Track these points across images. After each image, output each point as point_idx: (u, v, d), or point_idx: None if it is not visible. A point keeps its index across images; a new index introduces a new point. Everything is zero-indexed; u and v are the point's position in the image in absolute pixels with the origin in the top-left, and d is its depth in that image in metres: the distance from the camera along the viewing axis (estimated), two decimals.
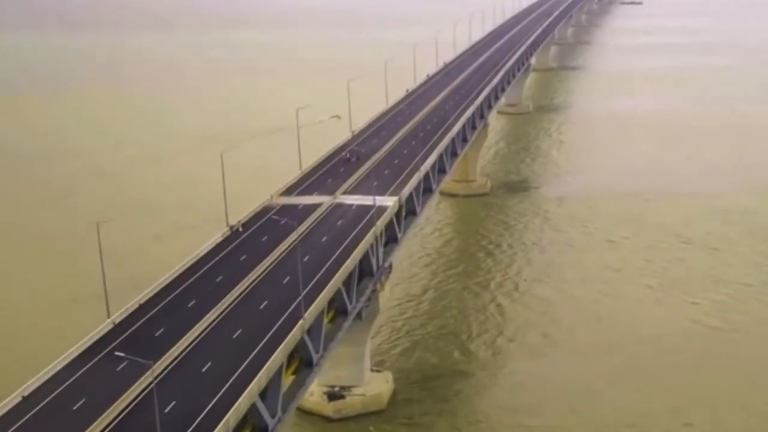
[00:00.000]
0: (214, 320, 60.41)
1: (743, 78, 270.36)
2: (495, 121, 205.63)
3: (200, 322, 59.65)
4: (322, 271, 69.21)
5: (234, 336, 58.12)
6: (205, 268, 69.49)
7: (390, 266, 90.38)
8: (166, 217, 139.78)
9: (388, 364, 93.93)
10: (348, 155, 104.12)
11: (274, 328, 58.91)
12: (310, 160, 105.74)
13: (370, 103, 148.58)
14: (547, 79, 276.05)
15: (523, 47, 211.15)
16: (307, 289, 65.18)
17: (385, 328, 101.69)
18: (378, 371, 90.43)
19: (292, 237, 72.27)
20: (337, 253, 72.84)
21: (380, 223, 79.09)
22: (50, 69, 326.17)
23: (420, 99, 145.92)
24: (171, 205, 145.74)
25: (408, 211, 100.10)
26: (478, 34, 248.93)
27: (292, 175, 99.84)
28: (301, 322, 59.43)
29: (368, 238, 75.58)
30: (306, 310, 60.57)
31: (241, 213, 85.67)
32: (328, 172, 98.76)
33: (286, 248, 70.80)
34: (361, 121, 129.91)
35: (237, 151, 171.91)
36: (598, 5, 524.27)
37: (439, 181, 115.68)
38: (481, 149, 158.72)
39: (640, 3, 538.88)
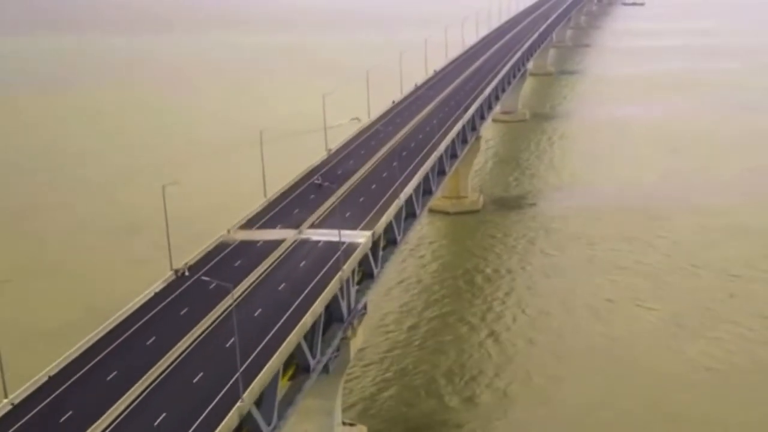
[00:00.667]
0: (135, 399, 50.00)
1: (749, 82, 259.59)
2: (489, 129, 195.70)
3: (118, 402, 49.28)
4: (275, 329, 58.86)
5: (156, 422, 47.75)
6: (137, 326, 59.02)
7: (365, 307, 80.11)
8: (129, 241, 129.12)
9: (363, 407, 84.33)
10: (319, 180, 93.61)
11: (206, 412, 48.58)
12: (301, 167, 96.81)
13: (359, 112, 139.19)
14: (545, 85, 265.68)
15: (519, 52, 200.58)
16: (254, 355, 54.88)
17: (364, 367, 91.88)
18: (351, 425, 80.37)
19: (241, 292, 61.59)
20: (294, 305, 62.38)
21: (348, 267, 68.59)
22: (45, 72, 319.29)
23: (406, 112, 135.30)
24: (136, 226, 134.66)
25: (388, 241, 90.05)
26: (473, 38, 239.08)
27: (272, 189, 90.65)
28: (238, 404, 49.06)
29: (332, 287, 65.15)
30: (246, 389, 50.11)
31: (203, 241, 75.97)
32: (296, 200, 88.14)
33: (227, 309, 59.75)
34: (341, 135, 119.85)
35: (224, 161, 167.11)
36: (597, 6, 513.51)
37: (425, 204, 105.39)
38: (472, 163, 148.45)
39: (642, 4, 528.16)
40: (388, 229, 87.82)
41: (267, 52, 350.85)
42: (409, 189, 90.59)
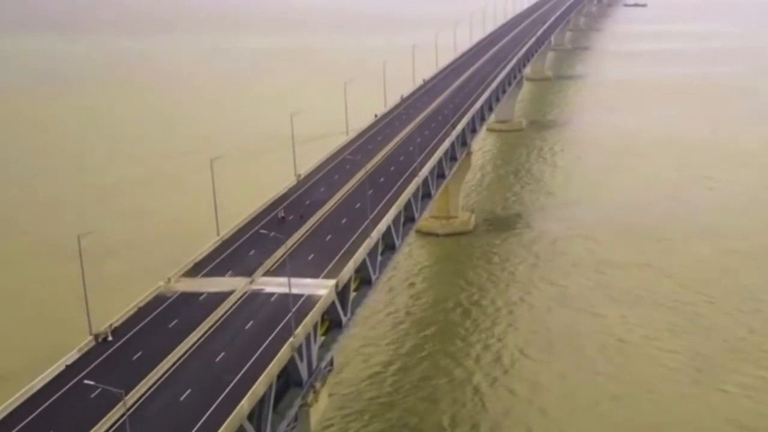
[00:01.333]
0: None
1: (754, 86, 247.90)
2: (483, 140, 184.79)
3: None
4: (203, 419, 47.77)
5: None
6: (33, 415, 47.83)
7: (331, 364, 69.17)
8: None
9: None
10: (282, 214, 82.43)
11: None
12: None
13: (340, 125, 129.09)
14: (542, 90, 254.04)
15: (515, 59, 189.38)
16: None
17: (338, 415, 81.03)
18: None
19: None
20: (232, 384, 51.29)
21: (302, 331, 57.44)
22: (28, 74, 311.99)
23: (388, 128, 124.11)
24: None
25: (361, 280, 79.18)
26: (467, 43, 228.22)
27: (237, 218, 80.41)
28: None
29: (281, 357, 54.06)
30: None
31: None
32: (253, 238, 76.85)
33: (120, 418, 46.72)
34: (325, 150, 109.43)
35: (201, 178, 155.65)
36: (597, 7, 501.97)
37: (406, 233, 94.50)
38: (463, 181, 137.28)
39: (644, 5, 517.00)
40: (362, 267, 77.04)
41: (266, 54, 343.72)
42: (382, 225, 79.42)
